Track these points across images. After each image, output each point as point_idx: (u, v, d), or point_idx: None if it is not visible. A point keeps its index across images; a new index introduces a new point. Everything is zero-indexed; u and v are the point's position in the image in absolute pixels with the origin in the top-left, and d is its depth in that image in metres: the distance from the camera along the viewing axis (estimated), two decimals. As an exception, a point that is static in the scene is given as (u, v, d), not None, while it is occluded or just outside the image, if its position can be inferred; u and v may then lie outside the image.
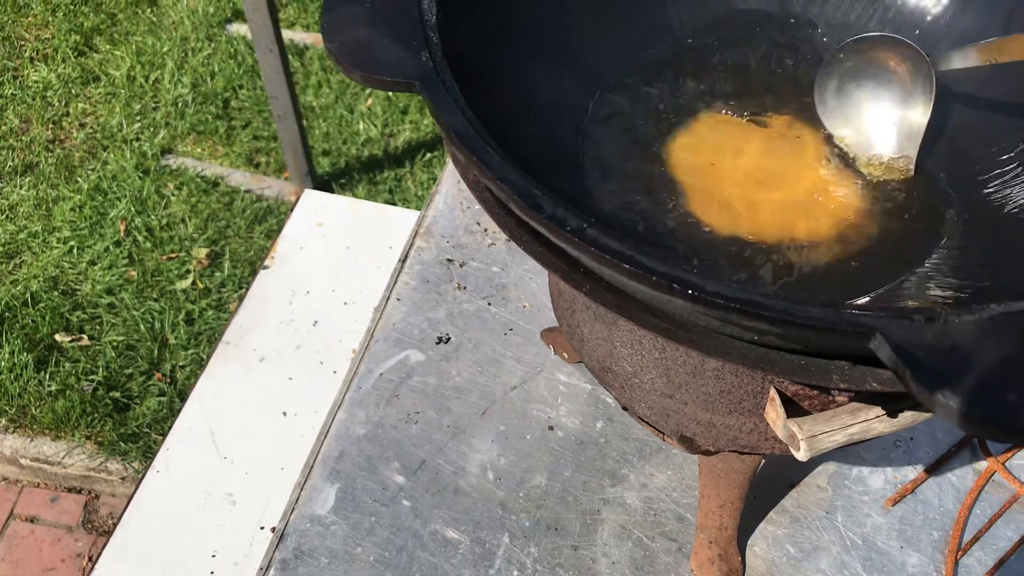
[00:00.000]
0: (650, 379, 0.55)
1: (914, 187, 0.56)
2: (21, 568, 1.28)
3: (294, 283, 1.08)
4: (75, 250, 1.62)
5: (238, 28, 2.07)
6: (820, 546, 0.69)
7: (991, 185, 0.54)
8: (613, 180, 0.55)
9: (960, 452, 0.75)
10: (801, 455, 0.48)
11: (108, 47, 2.04)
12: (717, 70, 0.62)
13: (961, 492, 0.72)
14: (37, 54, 2.03)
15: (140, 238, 1.64)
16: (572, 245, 0.37)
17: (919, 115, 0.56)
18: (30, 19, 2.11)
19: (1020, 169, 0.54)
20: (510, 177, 0.39)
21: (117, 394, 1.42)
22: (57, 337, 1.49)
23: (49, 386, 1.42)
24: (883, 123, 0.58)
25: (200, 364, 1.45)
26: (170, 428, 0.96)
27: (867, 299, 0.50)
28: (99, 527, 1.33)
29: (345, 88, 1.95)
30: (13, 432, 1.38)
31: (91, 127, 1.87)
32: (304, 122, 1.72)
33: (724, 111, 0.60)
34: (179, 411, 0.98)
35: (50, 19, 2.10)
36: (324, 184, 1.77)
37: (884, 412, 0.48)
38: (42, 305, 1.53)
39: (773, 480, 0.73)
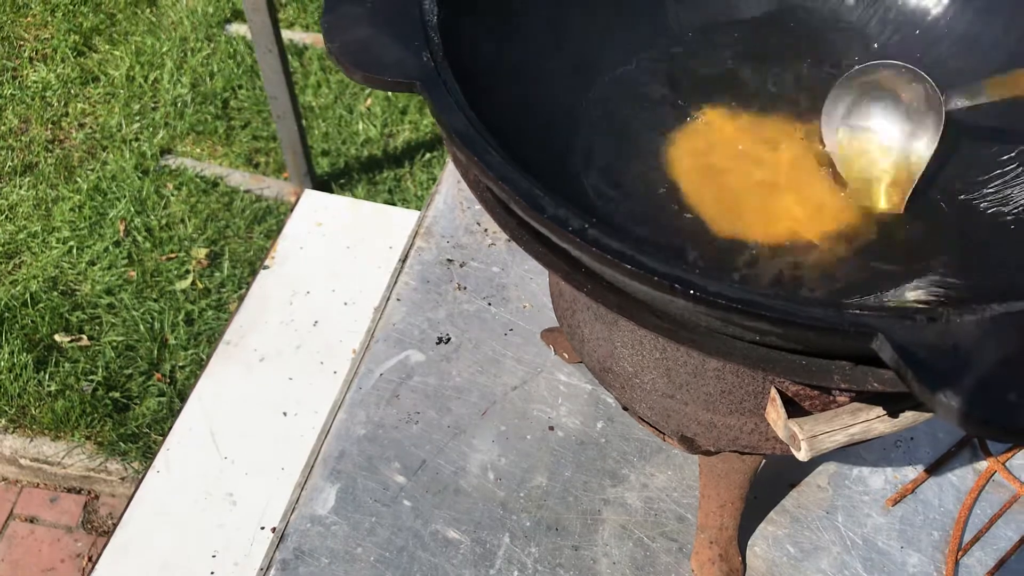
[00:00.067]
0: (651, 379, 0.55)
1: (915, 187, 0.56)
2: (21, 568, 1.28)
3: (294, 283, 1.08)
4: (74, 250, 1.62)
5: (237, 28, 2.07)
6: (820, 546, 0.69)
7: (991, 185, 0.54)
8: (613, 180, 0.55)
9: (960, 452, 0.75)
10: (802, 455, 0.48)
11: (107, 47, 2.04)
12: (717, 71, 0.62)
13: (961, 492, 0.72)
14: (36, 54, 2.03)
15: (139, 238, 1.64)
16: (574, 245, 0.37)
17: (921, 151, 0.54)
18: (29, 19, 2.11)
19: (1020, 169, 0.54)
20: (512, 177, 0.39)
21: (117, 394, 1.42)
22: (57, 337, 1.49)
23: (49, 386, 1.42)
24: (883, 156, 0.56)
25: (200, 364, 1.45)
26: (170, 428, 0.96)
27: (869, 299, 0.50)
28: (99, 527, 1.33)
29: (344, 88, 1.95)
30: (13, 432, 1.38)
31: (90, 127, 1.87)
32: (303, 122, 1.72)
33: (724, 111, 0.60)
34: (179, 411, 0.98)
35: (49, 19, 2.10)
36: (323, 184, 1.77)
37: (885, 412, 0.48)
38: (41, 305, 1.53)
39: (773, 480, 0.73)
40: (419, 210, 0.94)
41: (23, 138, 1.84)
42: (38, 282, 1.56)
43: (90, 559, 1.29)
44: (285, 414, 0.96)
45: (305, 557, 0.68)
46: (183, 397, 1.24)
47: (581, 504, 0.71)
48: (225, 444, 0.94)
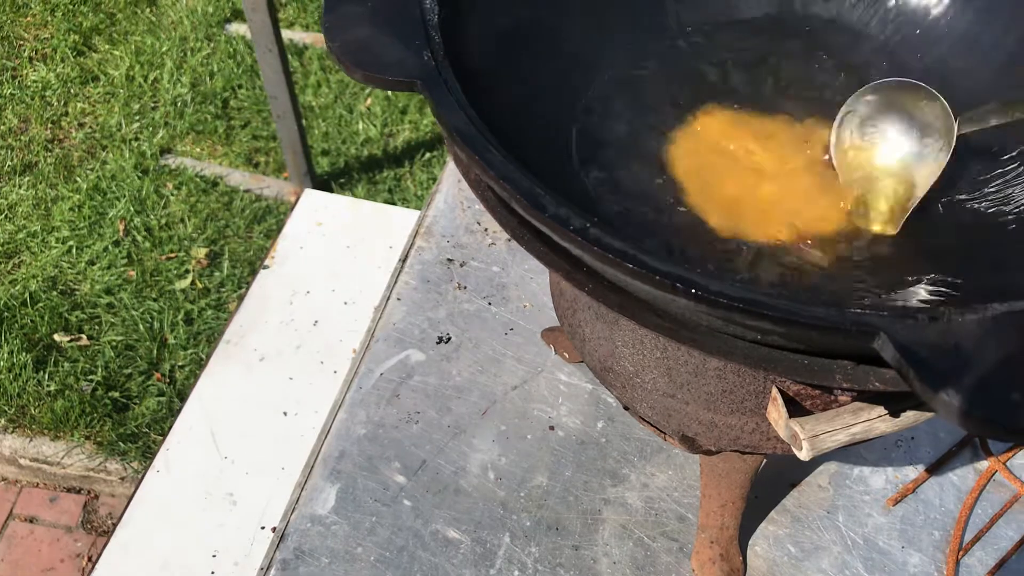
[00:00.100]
0: (652, 379, 0.55)
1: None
2: (20, 568, 1.28)
3: (294, 283, 1.08)
4: (74, 250, 1.62)
5: (237, 28, 2.07)
6: (821, 546, 0.69)
7: (992, 185, 0.54)
8: (613, 179, 0.55)
9: (961, 452, 0.75)
10: (803, 455, 0.47)
11: (107, 47, 2.04)
12: (717, 70, 0.62)
13: (962, 492, 0.72)
14: (36, 54, 2.03)
15: (139, 238, 1.64)
16: (575, 244, 0.37)
17: (925, 177, 0.53)
18: (29, 19, 2.11)
19: (1021, 169, 0.54)
20: (513, 176, 0.39)
21: (116, 394, 1.42)
22: (56, 337, 1.49)
23: (48, 386, 1.42)
24: (886, 177, 0.54)
25: (199, 364, 1.45)
26: (170, 428, 0.96)
27: (870, 299, 0.50)
28: (98, 527, 1.33)
29: (344, 88, 1.95)
30: (12, 432, 1.38)
31: (90, 127, 1.87)
32: (303, 122, 1.72)
33: (725, 111, 0.60)
34: (179, 411, 0.98)
35: (49, 19, 2.10)
36: (323, 184, 1.77)
37: (886, 411, 0.48)
38: (41, 305, 1.53)
39: (774, 480, 0.73)
40: (419, 210, 0.94)
41: (23, 137, 1.84)
42: (37, 282, 1.56)
43: (90, 559, 1.29)
44: (285, 414, 0.96)
45: (305, 557, 0.68)
46: (183, 397, 1.24)
47: (581, 504, 0.71)
48: (225, 444, 0.94)
